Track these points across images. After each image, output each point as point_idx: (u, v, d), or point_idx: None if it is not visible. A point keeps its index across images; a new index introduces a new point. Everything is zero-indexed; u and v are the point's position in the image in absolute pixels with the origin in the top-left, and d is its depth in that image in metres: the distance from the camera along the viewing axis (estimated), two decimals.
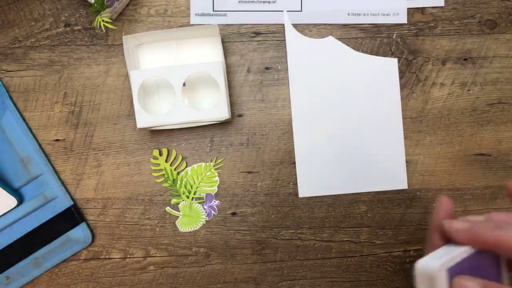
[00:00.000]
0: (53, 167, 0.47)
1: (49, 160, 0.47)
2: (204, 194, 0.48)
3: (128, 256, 0.48)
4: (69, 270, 0.47)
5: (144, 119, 0.44)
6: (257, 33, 0.48)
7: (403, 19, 0.48)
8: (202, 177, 0.48)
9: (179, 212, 0.48)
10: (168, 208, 0.48)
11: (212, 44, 0.47)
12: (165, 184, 0.47)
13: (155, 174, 0.48)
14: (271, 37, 0.48)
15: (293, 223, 0.48)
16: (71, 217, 0.47)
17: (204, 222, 0.48)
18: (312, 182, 0.48)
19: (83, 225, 0.47)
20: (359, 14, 0.48)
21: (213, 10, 0.48)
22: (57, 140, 0.47)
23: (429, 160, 0.48)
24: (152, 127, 0.45)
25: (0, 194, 0.45)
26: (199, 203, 0.48)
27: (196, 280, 0.48)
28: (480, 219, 0.31)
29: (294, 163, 0.48)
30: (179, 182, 0.47)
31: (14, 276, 0.46)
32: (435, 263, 0.29)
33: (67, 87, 0.47)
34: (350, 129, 0.48)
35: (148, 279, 0.48)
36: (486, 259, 0.30)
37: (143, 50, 0.47)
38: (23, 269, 0.47)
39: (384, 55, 0.48)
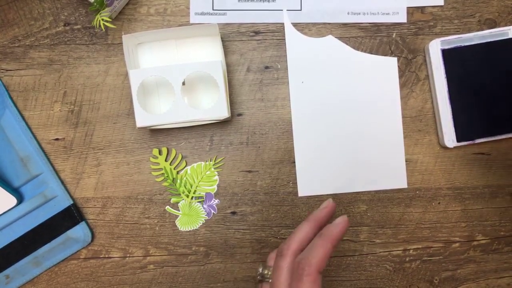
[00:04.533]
0: (53, 166, 0.47)
1: (49, 159, 0.47)
2: (204, 193, 0.48)
3: (128, 255, 0.48)
4: (68, 269, 0.47)
5: (143, 118, 0.44)
6: (257, 32, 0.48)
7: (402, 18, 0.48)
8: (202, 176, 0.48)
9: (179, 211, 0.48)
10: (167, 207, 0.48)
11: (212, 43, 0.47)
12: (165, 183, 0.48)
13: (154, 173, 0.48)
14: (270, 36, 0.48)
15: (293, 222, 0.48)
16: (71, 216, 0.47)
17: (204, 221, 0.48)
18: (311, 181, 0.48)
19: (82, 224, 0.47)
20: (359, 13, 0.48)
21: (213, 9, 0.48)
22: (57, 139, 0.47)
23: (429, 159, 0.48)
24: (151, 126, 0.45)
25: (0, 193, 0.45)
26: (198, 202, 0.48)
27: (196, 279, 0.48)
28: None
29: (294, 162, 0.48)
30: (178, 181, 0.47)
31: (14, 275, 0.47)
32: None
33: (66, 86, 0.47)
34: (349, 128, 0.48)
35: (148, 278, 0.48)
36: None
37: (143, 49, 0.47)
38: (23, 268, 0.47)
39: (384, 54, 0.48)
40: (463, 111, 0.47)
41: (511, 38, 0.46)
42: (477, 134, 0.47)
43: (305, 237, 0.36)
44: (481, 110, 0.47)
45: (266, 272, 0.37)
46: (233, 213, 0.48)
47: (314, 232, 0.36)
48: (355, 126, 0.48)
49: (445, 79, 0.47)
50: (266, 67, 0.48)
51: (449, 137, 0.47)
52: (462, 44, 0.46)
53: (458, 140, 0.47)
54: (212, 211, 0.48)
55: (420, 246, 0.48)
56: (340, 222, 0.36)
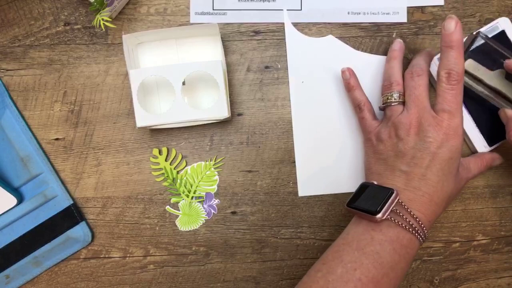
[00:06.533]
0: (53, 166, 0.47)
1: (49, 159, 0.47)
2: (204, 193, 0.48)
3: (128, 255, 0.48)
4: (69, 269, 0.47)
5: (143, 118, 0.44)
6: (257, 32, 0.48)
7: (403, 18, 0.48)
8: (202, 176, 0.48)
9: (179, 211, 0.48)
10: (168, 207, 0.48)
11: (212, 43, 0.47)
12: (165, 183, 0.47)
13: (154, 173, 0.48)
14: (271, 36, 0.48)
15: (293, 222, 0.48)
16: (71, 216, 0.47)
17: (204, 221, 0.48)
18: (312, 181, 0.48)
19: (82, 224, 0.47)
20: (359, 13, 0.48)
21: (213, 9, 0.48)
22: (57, 139, 0.47)
23: None
24: (151, 126, 0.45)
25: (0, 193, 0.45)
26: (198, 202, 0.48)
27: (196, 279, 0.48)
28: None
29: (294, 162, 0.48)
30: (178, 181, 0.47)
31: (14, 275, 0.47)
32: None
33: (66, 86, 0.47)
34: (350, 127, 0.48)
35: (148, 278, 0.48)
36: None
37: (143, 49, 0.47)
38: (23, 268, 0.47)
39: (384, 54, 0.48)
40: (480, 112, 0.46)
41: (502, 30, 0.45)
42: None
43: (429, 59, 0.43)
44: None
45: (389, 98, 0.42)
46: (233, 213, 0.48)
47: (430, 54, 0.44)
48: (356, 126, 0.48)
49: None
50: (266, 67, 0.48)
51: (480, 144, 0.46)
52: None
53: (491, 144, 0.46)
54: (212, 211, 0.48)
55: (421, 246, 0.48)
56: (451, 22, 0.39)
